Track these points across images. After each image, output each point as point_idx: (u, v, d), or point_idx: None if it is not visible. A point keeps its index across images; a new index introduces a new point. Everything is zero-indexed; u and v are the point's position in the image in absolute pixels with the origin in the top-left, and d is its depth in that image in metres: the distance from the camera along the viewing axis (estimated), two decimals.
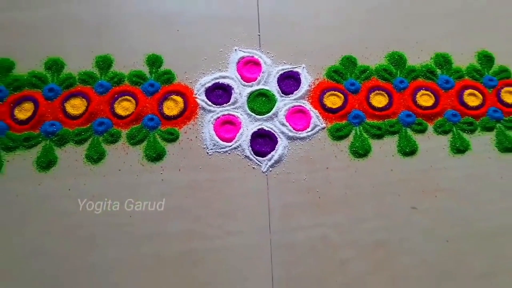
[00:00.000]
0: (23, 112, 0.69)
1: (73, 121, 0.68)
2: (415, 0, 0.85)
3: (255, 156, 0.68)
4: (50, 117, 0.68)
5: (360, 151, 0.69)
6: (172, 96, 0.72)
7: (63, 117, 0.68)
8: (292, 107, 0.72)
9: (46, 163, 0.65)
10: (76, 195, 0.63)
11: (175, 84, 0.73)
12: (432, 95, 0.74)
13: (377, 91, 0.74)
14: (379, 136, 0.71)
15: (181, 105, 0.71)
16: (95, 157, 0.66)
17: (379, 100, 0.74)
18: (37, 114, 0.68)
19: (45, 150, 0.66)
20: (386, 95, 0.74)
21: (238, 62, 0.75)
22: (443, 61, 0.78)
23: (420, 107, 0.73)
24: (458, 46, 0.80)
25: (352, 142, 0.70)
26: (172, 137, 0.68)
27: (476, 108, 0.74)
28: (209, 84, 0.73)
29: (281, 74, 0.75)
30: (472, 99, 0.75)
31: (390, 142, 0.70)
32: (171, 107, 0.71)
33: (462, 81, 0.76)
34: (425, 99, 0.74)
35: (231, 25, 0.79)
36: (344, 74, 0.76)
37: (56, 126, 0.68)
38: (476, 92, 0.75)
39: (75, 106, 0.70)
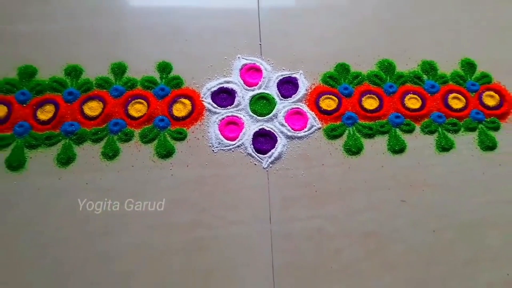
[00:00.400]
0: (45, 113, 0.75)
1: (90, 122, 0.75)
2: (403, 12, 0.93)
3: (256, 154, 0.74)
4: (69, 118, 0.75)
5: (353, 149, 0.75)
6: (181, 99, 0.78)
7: (81, 118, 0.75)
8: (291, 109, 0.78)
9: (66, 159, 0.71)
10: (93, 188, 0.69)
11: (183, 89, 0.79)
12: (419, 98, 0.81)
13: (368, 95, 0.80)
14: (371, 136, 0.77)
15: (189, 107, 0.78)
16: (111, 154, 0.72)
17: (370, 103, 0.80)
18: (57, 115, 0.74)
19: (64, 147, 0.72)
20: (377, 98, 0.80)
21: (241, 69, 0.82)
22: (429, 67, 0.84)
23: (408, 109, 0.79)
24: (443, 54, 0.86)
25: (345, 141, 0.76)
26: (180, 136, 0.75)
27: (460, 110, 0.80)
28: (215, 88, 0.80)
29: (280, 80, 0.82)
30: (456, 102, 0.81)
31: (381, 141, 0.76)
32: (180, 109, 0.77)
33: (447, 86, 0.82)
34: (413, 102, 0.80)
35: (234, 35, 0.86)
36: (338, 80, 0.82)
37: (75, 126, 0.74)
38: (459, 96, 0.81)
39: (92, 108, 0.76)
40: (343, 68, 0.83)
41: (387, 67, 0.84)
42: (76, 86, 0.78)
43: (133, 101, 0.77)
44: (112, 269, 0.64)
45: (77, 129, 0.74)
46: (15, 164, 0.70)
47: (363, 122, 0.78)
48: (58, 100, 0.76)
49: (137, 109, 0.77)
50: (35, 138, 0.72)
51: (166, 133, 0.75)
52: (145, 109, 0.76)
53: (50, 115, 0.75)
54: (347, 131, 0.77)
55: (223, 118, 0.77)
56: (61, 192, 0.68)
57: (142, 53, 0.82)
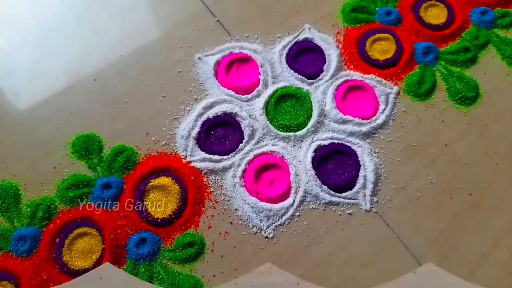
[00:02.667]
0: None
1: None
2: None
3: (339, 197, 0.54)
4: None
5: (469, 94, 0.60)
6: (154, 183, 0.55)
7: None
8: (336, 89, 0.58)
9: None
10: None
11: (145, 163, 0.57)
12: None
13: (429, 2, 0.63)
14: (473, 61, 0.65)
15: (175, 190, 0.54)
16: None
17: (434, 15, 0.63)
18: None
19: None
20: (441, 4, 0.63)
21: (215, 73, 0.60)
22: None
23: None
24: None
25: (447, 87, 0.61)
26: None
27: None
28: (196, 130, 0.56)
29: (287, 54, 0.60)
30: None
31: (491, 58, 0.64)
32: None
33: None
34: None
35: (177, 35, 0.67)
36: (369, 7, 0.64)
37: None
38: None
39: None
40: None
41: None
42: None
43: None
44: None
45: None
46: None
47: (446, 49, 0.61)
48: None
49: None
50: None
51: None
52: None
53: None
54: (436, 74, 0.61)
55: (244, 170, 0.55)
56: None
57: None
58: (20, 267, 0.53)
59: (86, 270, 0.53)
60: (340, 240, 0.55)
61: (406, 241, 0.54)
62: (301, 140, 0.58)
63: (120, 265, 0.53)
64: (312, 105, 0.60)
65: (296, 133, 0.59)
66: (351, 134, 0.59)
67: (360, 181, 0.56)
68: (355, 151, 0.57)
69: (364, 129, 0.59)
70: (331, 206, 0.56)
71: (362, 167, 0.56)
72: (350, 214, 0.56)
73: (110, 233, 0.54)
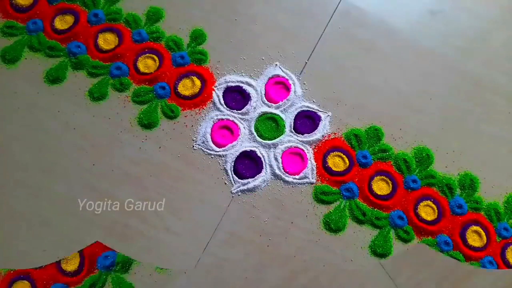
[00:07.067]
0: (62, 23, 0.71)
1: (97, 53, 0.70)
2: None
3: (232, 174, 0.66)
4: (81, 39, 0.70)
5: (332, 226, 0.64)
6: (193, 77, 0.71)
7: (91, 44, 0.70)
8: (294, 147, 0.68)
9: (54, 77, 0.67)
10: (64, 119, 0.65)
11: (202, 67, 0.71)
12: (436, 211, 0.68)
13: (384, 177, 0.69)
14: (360, 222, 0.65)
15: (197, 89, 0.70)
16: (96, 95, 0.67)
17: (380, 187, 0.68)
18: (72, 30, 0.70)
19: (60, 65, 0.68)
20: (391, 185, 0.68)
21: (271, 77, 0.72)
22: (469, 184, 0.70)
23: (418, 216, 0.67)
24: (497, 178, 0.71)
25: (330, 212, 0.65)
26: (171, 115, 0.68)
27: (474, 248, 0.66)
28: (233, 84, 0.71)
29: (303, 111, 0.71)
30: (474, 238, 0.67)
31: (367, 233, 0.65)
32: (187, 87, 0.70)
33: (475, 215, 0.68)
34: (427, 212, 0.67)
35: (286, 39, 0.75)
36: (363, 143, 0.70)
37: (81, 49, 0.69)
38: (481, 232, 0.67)
39: (107, 41, 0.71)
40: (375, 134, 0.71)
41: (423, 158, 0.70)
42: (106, 11, 0.72)
43: (147, 54, 0.70)
44: None
45: (82, 53, 0.69)
46: (10, 57, 0.67)
47: (361, 202, 0.66)
48: (82, 15, 0.71)
49: (146, 64, 0.70)
50: (39, 42, 0.69)
51: (159, 103, 0.68)
52: (154, 68, 0.70)
53: (66, 26, 0.71)
54: (338, 202, 0.66)
55: (221, 119, 0.69)
56: (33, 106, 0.66)
57: (185, 12, 0.75)
58: None
59: None
60: None
61: None
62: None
63: None
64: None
65: None
66: None
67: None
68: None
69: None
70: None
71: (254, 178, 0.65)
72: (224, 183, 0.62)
73: None
